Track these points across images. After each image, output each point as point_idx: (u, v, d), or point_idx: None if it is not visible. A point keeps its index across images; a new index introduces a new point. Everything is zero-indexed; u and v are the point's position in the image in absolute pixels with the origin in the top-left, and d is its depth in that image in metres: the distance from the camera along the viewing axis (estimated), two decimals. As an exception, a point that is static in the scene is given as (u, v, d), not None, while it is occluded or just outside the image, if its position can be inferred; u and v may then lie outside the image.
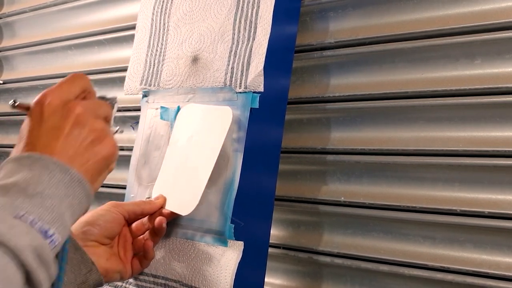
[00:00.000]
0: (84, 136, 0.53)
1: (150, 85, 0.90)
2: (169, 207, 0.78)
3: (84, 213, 0.55)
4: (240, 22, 0.81)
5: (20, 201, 0.47)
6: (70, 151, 0.52)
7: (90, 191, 0.53)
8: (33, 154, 0.50)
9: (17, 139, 0.54)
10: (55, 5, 1.38)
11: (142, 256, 0.75)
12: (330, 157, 0.87)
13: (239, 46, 0.80)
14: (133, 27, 1.02)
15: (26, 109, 0.54)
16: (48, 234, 0.47)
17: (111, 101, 0.63)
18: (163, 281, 0.79)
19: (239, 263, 0.72)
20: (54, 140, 0.52)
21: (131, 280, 0.82)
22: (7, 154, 1.62)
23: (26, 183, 0.48)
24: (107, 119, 0.59)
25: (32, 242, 0.45)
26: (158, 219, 0.75)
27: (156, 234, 0.76)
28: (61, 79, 0.56)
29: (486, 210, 0.72)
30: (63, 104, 0.54)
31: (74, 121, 0.53)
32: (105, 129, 0.56)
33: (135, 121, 0.94)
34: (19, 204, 0.47)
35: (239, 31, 0.81)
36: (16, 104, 0.55)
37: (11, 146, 1.45)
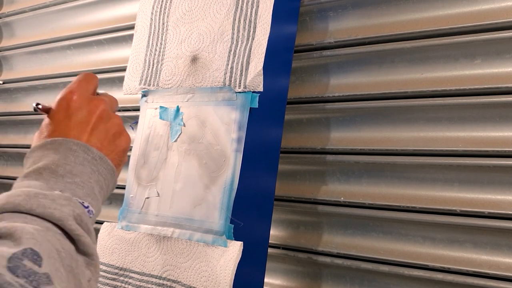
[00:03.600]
0: (107, 129, 0.58)
1: (149, 85, 0.90)
2: None
3: (111, 191, 0.59)
4: (239, 21, 0.81)
5: (53, 181, 0.51)
6: (97, 143, 0.57)
7: (113, 168, 0.57)
8: (57, 139, 0.54)
9: (35, 137, 0.57)
10: (54, 5, 1.38)
11: None
12: (329, 157, 0.87)
13: (239, 45, 0.80)
14: (132, 27, 1.02)
15: (47, 111, 0.58)
16: (84, 205, 0.52)
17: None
18: (162, 281, 0.79)
19: (239, 263, 0.72)
20: (83, 132, 0.56)
21: (131, 280, 0.82)
22: (7, 154, 1.62)
23: (55, 165, 0.52)
24: None
25: (73, 211, 0.49)
26: None
27: None
28: (75, 77, 0.61)
29: (486, 210, 0.72)
30: (88, 100, 0.58)
31: (99, 115, 0.58)
32: (122, 123, 0.61)
33: (134, 121, 0.94)
34: (53, 184, 0.51)
35: (238, 31, 0.81)
36: (39, 107, 0.59)
37: (11, 146, 1.46)
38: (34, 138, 0.58)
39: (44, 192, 0.49)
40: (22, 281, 0.41)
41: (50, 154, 0.53)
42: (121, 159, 0.60)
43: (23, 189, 0.50)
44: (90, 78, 0.61)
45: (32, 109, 0.59)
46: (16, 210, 0.48)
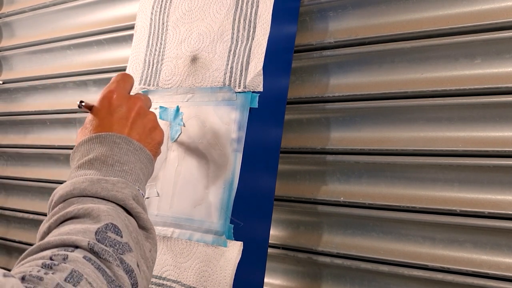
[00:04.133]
0: (145, 124, 0.64)
1: (149, 85, 0.90)
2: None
3: (150, 177, 0.65)
4: (239, 21, 0.81)
5: (105, 170, 0.57)
6: (136, 136, 0.63)
7: (151, 157, 0.64)
8: (101, 134, 0.60)
9: (78, 132, 0.63)
10: (54, 5, 1.38)
11: None
12: (329, 157, 0.87)
13: (238, 45, 0.80)
14: (132, 27, 1.02)
15: (89, 108, 0.64)
16: (137, 189, 0.59)
17: None
18: (162, 281, 0.79)
19: (239, 263, 0.72)
20: (124, 127, 0.62)
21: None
22: (7, 154, 1.62)
23: (104, 156, 0.58)
24: None
25: (131, 193, 0.57)
26: None
27: None
28: (114, 76, 0.67)
29: (486, 210, 0.72)
30: (127, 98, 0.65)
31: (137, 112, 0.64)
32: (156, 119, 0.67)
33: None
34: (105, 172, 0.57)
35: (238, 31, 0.81)
36: (83, 104, 0.64)
37: (11, 146, 1.46)
38: (78, 133, 0.64)
39: (104, 178, 0.56)
40: (111, 249, 0.49)
41: (97, 147, 0.59)
42: (156, 151, 0.66)
43: (85, 176, 0.56)
44: (127, 78, 0.67)
45: (76, 106, 0.64)
46: (83, 195, 0.54)
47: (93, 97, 1.27)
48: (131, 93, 0.69)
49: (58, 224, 0.53)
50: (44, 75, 1.39)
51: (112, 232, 0.51)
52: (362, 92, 0.84)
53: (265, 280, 0.79)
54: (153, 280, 0.80)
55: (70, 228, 0.50)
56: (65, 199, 0.55)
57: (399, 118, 0.81)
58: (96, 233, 0.50)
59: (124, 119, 0.63)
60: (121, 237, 0.51)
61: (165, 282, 0.78)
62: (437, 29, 0.77)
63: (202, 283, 0.74)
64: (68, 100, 1.33)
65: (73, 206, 0.53)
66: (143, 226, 0.57)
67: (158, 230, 0.82)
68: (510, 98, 0.71)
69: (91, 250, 0.48)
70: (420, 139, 0.78)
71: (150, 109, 0.69)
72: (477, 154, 0.74)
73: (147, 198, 0.84)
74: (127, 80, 0.67)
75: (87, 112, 0.64)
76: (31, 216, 1.40)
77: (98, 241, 0.49)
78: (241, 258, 0.72)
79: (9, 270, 0.44)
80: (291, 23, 0.84)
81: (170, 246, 0.80)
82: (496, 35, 0.72)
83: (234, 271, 0.72)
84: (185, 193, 0.80)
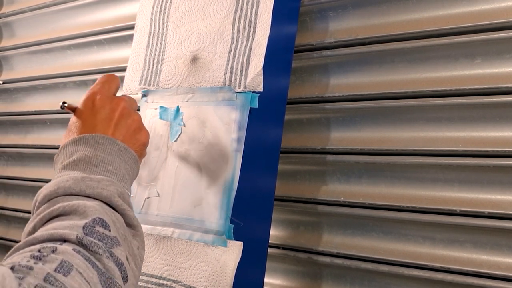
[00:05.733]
0: (129, 125, 0.63)
1: (149, 85, 0.90)
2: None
3: (135, 178, 0.64)
4: (239, 21, 0.81)
5: (89, 170, 0.57)
6: (120, 137, 0.62)
7: (136, 158, 0.63)
8: (84, 135, 0.59)
9: (63, 136, 0.63)
10: (54, 5, 1.38)
11: None
12: (329, 157, 0.87)
13: (239, 45, 0.80)
14: (132, 27, 1.02)
15: (73, 110, 0.63)
16: (122, 186, 0.58)
17: None
18: (162, 281, 0.79)
19: (239, 263, 0.72)
20: (107, 128, 0.61)
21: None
22: (7, 154, 1.61)
23: (88, 157, 0.58)
24: None
25: (117, 190, 0.56)
26: None
27: None
28: (100, 77, 0.66)
29: (486, 210, 0.72)
30: (110, 99, 0.64)
31: (120, 112, 0.63)
32: (141, 120, 0.66)
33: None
34: (89, 173, 0.56)
35: (238, 31, 0.81)
36: (65, 105, 0.63)
37: (11, 146, 1.46)
38: (62, 137, 0.63)
39: (89, 175, 0.55)
40: (100, 243, 0.49)
41: (80, 148, 0.58)
42: (142, 152, 0.65)
43: (69, 175, 0.55)
44: (112, 79, 0.66)
45: (59, 107, 0.64)
46: (68, 193, 0.54)
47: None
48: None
49: (44, 223, 0.52)
50: (44, 75, 1.39)
51: (100, 226, 0.50)
52: (362, 92, 0.84)
53: (265, 280, 0.79)
54: (153, 280, 0.80)
55: (57, 224, 0.50)
56: (49, 198, 0.54)
57: (399, 118, 0.81)
58: (84, 228, 0.49)
59: (107, 120, 0.62)
60: (109, 231, 0.51)
61: (165, 282, 0.78)
62: (437, 29, 0.77)
63: (202, 283, 0.74)
64: (69, 100, 1.32)
65: (58, 204, 0.52)
66: (130, 224, 0.56)
67: (158, 230, 0.82)
68: (510, 98, 0.71)
69: (80, 243, 0.48)
70: (420, 139, 0.78)
71: (137, 111, 0.68)
72: (477, 154, 0.74)
73: (147, 198, 0.85)
74: (112, 81, 0.66)
75: (70, 113, 0.64)
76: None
77: (86, 235, 0.48)
78: (241, 258, 0.72)
79: None
80: (291, 23, 0.84)
81: (170, 246, 0.80)
82: (496, 35, 0.72)
83: (234, 271, 0.72)
84: (185, 193, 0.80)
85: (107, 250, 0.49)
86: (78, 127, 0.61)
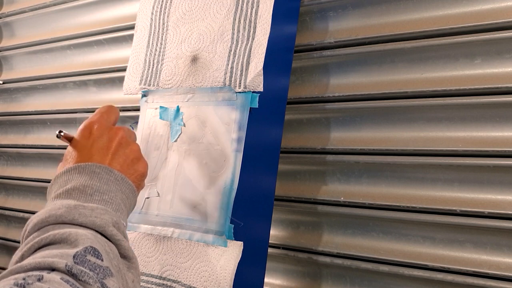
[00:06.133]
0: (127, 155, 0.62)
1: (149, 85, 0.90)
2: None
3: (132, 210, 0.62)
4: (239, 21, 0.81)
5: (84, 199, 0.54)
6: (117, 167, 0.60)
7: (134, 188, 0.60)
8: (80, 164, 0.57)
9: (59, 166, 0.61)
10: (54, 5, 1.38)
11: None
12: (329, 157, 0.87)
13: (239, 45, 0.80)
14: (132, 27, 1.02)
15: (69, 140, 0.61)
16: (118, 215, 0.56)
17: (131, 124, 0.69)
18: (162, 281, 0.79)
19: (239, 263, 0.72)
20: (105, 157, 0.60)
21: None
22: (7, 154, 1.61)
23: (83, 186, 0.55)
24: None
25: (111, 219, 0.53)
26: None
27: None
28: (98, 109, 0.65)
29: (486, 210, 0.72)
30: (108, 129, 0.62)
31: (118, 142, 0.61)
32: (140, 150, 0.64)
33: (134, 121, 0.94)
34: (83, 202, 0.54)
35: (238, 31, 0.81)
36: (62, 135, 0.62)
37: (11, 146, 1.46)
38: (58, 168, 0.61)
39: (83, 204, 0.53)
40: (91, 273, 0.45)
41: (75, 177, 0.56)
42: (140, 183, 0.63)
43: (62, 203, 0.53)
44: (111, 110, 0.65)
45: (55, 136, 0.62)
46: (59, 222, 0.51)
47: (94, 97, 1.27)
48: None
49: (33, 252, 0.48)
50: (44, 75, 1.39)
51: (92, 256, 0.47)
52: (362, 92, 0.84)
53: (265, 280, 0.79)
54: (153, 280, 0.80)
55: (45, 253, 0.46)
56: (40, 227, 0.51)
57: (399, 118, 0.81)
58: (74, 257, 0.46)
59: (105, 149, 0.60)
60: (102, 260, 0.48)
61: (165, 282, 0.78)
62: (437, 29, 0.77)
63: (202, 283, 0.74)
64: (68, 100, 1.33)
65: (49, 232, 0.49)
66: (125, 255, 0.53)
67: (158, 230, 0.82)
68: (510, 98, 0.72)
69: (69, 272, 0.44)
70: (420, 139, 0.78)
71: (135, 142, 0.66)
72: (477, 154, 0.74)
73: (147, 198, 0.85)
74: (111, 112, 0.65)
75: (67, 143, 0.62)
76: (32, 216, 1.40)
77: (76, 264, 0.45)
78: (241, 258, 0.72)
79: None
80: (291, 23, 0.84)
81: (170, 246, 0.80)
82: (496, 35, 0.72)
83: (234, 271, 0.72)
84: (185, 193, 0.80)
85: (99, 280, 0.46)
86: (74, 157, 0.59)
